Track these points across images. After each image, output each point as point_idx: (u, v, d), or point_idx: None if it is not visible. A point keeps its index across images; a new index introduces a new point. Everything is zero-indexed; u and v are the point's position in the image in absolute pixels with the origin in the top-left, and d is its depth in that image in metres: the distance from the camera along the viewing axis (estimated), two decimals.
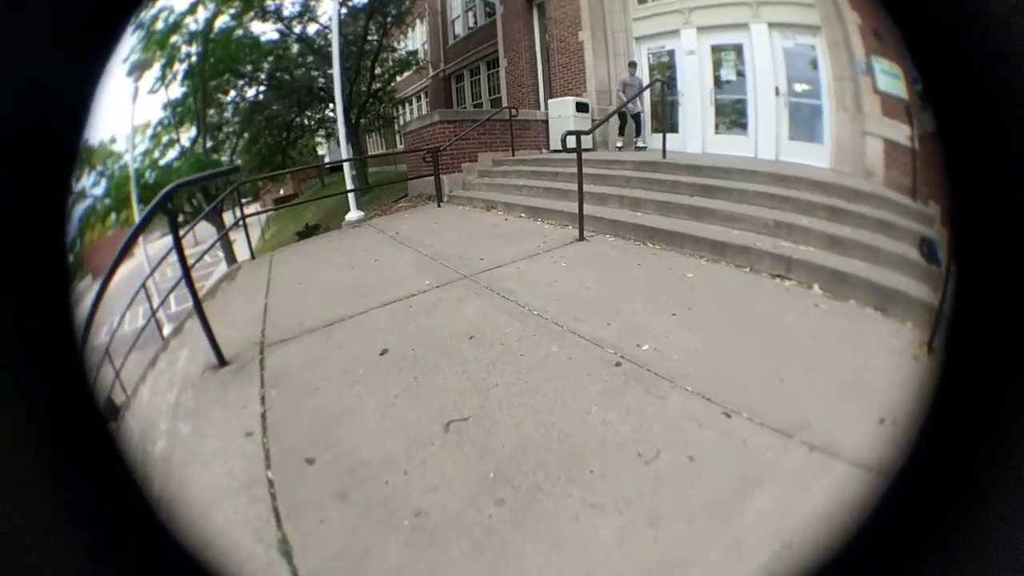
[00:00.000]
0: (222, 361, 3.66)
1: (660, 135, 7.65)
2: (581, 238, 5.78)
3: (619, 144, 8.43)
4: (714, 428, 2.68)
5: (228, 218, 7.91)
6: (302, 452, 2.70)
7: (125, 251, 3.49)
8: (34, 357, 1.19)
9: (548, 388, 3.09)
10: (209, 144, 8.84)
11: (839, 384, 2.93)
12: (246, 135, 9.81)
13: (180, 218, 7.02)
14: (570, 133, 5.52)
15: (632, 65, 8.38)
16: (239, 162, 9.17)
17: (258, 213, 8.92)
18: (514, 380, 3.19)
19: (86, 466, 1.25)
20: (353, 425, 2.91)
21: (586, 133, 5.79)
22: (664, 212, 5.80)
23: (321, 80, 10.37)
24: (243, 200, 8.18)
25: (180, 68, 8.09)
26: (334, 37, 9.60)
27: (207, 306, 4.34)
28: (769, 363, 3.17)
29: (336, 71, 9.44)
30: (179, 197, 7.10)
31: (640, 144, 8.27)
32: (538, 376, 3.22)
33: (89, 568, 1.14)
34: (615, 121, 8.44)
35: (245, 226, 7.43)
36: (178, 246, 3.73)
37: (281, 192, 10.11)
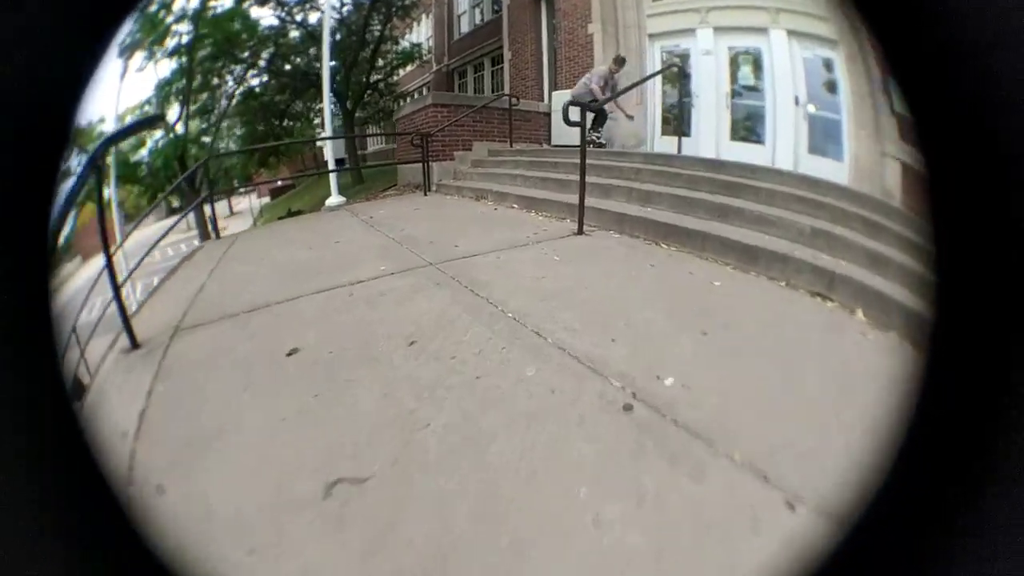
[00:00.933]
0: (134, 344, 3.02)
1: (670, 137, 6.93)
2: (580, 231, 4.44)
3: (595, 136, 7.08)
4: (777, 527, 1.38)
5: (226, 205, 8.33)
6: (159, 474, 1.84)
7: (62, 218, 2.77)
8: (13, 341, 1.05)
9: (510, 442, 1.76)
10: (201, 127, 8.74)
11: None
12: (238, 120, 9.37)
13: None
14: (573, 104, 4.20)
15: (619, 61, 7.09)
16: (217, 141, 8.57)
17: (235, 190, 8.82)
18: (458, 420, 1.87)
19: (54, 447, 1.10)
20: (217, 453, 1.93)
21: (593, 108, 4.46)
22: (681, 208, 4.48)
23: (319, 67, 9.50)
24: (211, 181, 7.87)
25: (169, 47, 7.90)
26: (325, 19, 9.06)
27: (164, 286, 4.34)
28: (840, 414, 1.92)
29: (325, 52, 8.83)
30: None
31: (599, 139, 6.97)
32: (497, 417, 1.89)
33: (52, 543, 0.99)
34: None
35: (212, 206, 7.00)
36: (100, 208, 3.23)
37: (279, 183, 9.71)
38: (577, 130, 4.34)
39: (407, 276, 3.49)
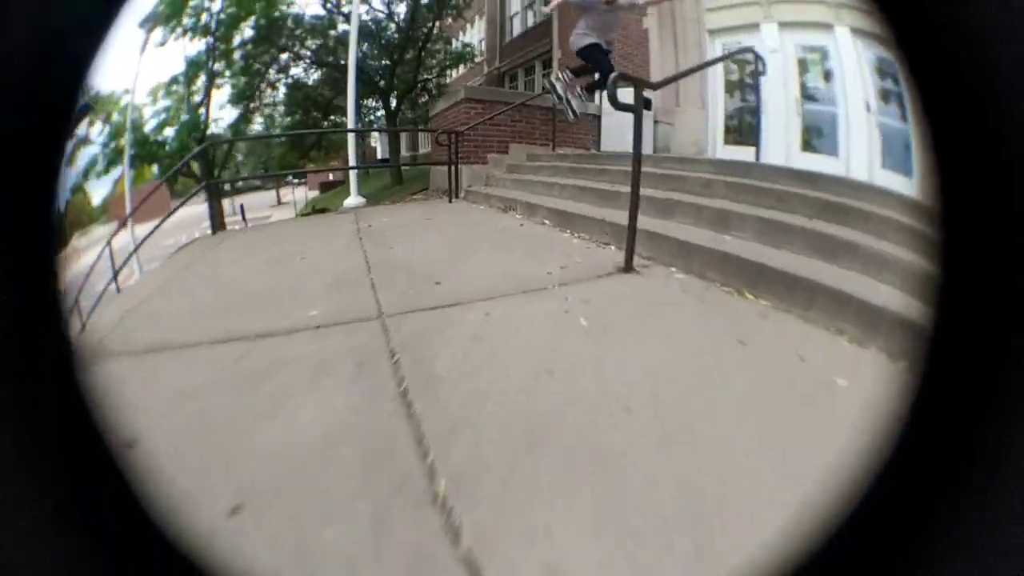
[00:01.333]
0: None
1: (733, 146, 5.83)
2: (628, 267, 2.87)
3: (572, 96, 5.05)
4: None
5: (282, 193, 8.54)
6: None
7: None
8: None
9: None
10: (238, 113, 8.22)
11: None
12: (277, 108, 8.86)
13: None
14: (625, 78, 2.68)
15: None
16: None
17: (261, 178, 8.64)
18: None
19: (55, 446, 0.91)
20: None
21: (655, 86, 2.90)
22: (770, 237, 2.90)
23: (371, 63, 9.16)
24: (217, 167, 7.60)
25: (192, 26, 7.42)
26: (354, 9, 8.16)
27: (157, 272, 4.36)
28: None
29: (352, 43, 7.81)
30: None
31: (587, 108, 5.25)
32: None
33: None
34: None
35: (211, 195, 6.73)
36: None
37: (331, 177, 9.31)
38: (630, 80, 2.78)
39: (332, 336, 2.12)
